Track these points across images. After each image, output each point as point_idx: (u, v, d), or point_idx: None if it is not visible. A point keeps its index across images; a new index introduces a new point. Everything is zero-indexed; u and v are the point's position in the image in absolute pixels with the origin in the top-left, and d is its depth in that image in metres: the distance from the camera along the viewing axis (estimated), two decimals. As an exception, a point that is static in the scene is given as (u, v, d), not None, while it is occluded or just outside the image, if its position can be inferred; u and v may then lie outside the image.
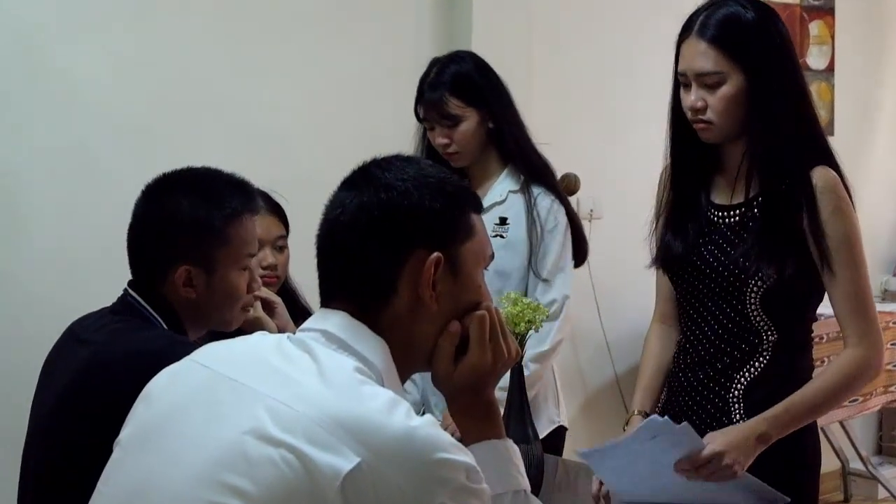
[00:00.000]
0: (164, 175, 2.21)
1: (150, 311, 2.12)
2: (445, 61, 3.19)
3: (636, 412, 2.47)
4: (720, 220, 2.41)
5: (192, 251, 2.12)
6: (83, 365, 2.04)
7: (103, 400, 1.93)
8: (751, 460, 2.22)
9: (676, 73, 2.41)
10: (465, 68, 3.17)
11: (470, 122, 3.12)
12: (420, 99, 3.15)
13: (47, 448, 2.07)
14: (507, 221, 3.18)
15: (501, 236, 3.18)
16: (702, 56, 2.31)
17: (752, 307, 2.34)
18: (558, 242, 3.21)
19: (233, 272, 2.16)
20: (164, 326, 2.11)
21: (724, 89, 2.31)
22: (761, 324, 2.35)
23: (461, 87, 3.12)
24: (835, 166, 2.36)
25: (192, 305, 2.14)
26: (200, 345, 1.65)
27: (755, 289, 2.33)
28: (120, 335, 2.07)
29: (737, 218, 2.39)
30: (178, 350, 1.68)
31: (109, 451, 1.58)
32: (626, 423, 2.48)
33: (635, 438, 2.22)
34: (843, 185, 2.35)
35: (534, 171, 3.23)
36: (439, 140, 3.11)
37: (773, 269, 2.30)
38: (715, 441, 2.20)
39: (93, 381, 2.00)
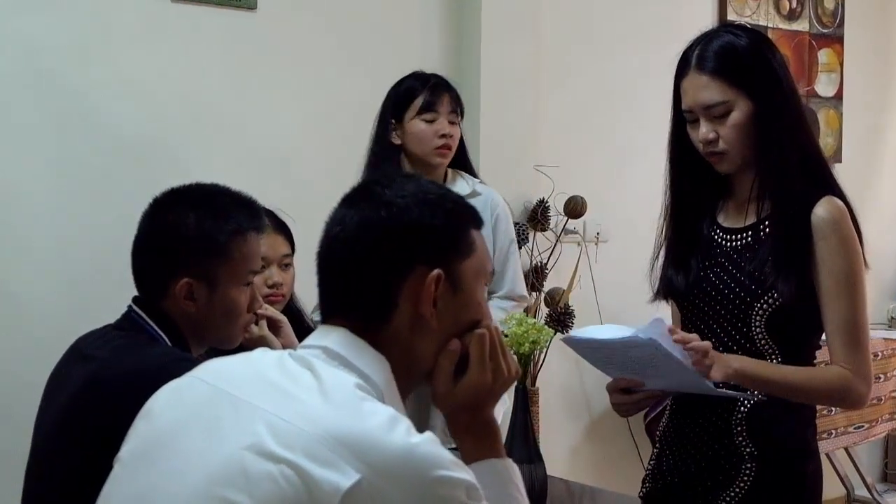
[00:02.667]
0: (173, 189, 2.22)
1: (154, 327, 2.12)
2: (438, 75, 3.44)
3: None
4: (728, 244, 2.41)
5: (194, 264, 2.12)
6: (86, 381, 2.04)
7: (105, 417, 1.92)
8: (719, 372, 2.21)
9: (678, 111, 2.41)
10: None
11: (460, 127, 3.38)
12: (436, 89, 3.35)
13: (50, 465, 2.07)
14: None
15: None
16: (705, 89, 2.32)
17: (758, 330, 2.34)
18: (515, 246, 3.44)
19: (234, 289, 2.16)
20: (168, 342, 2.11)
21: (734, 117, 2.31)
22: (766, 347, 2.35)
23: (458, 95, 3.39)
24: (840, 195, 2.36)
25: (193, 320, 2.13)
26: (202, 361, 1.65)
27: (761, 311, 2.32)
28: (123, 352, 2.07)
29: (745, 241, 2.39)
30: (179, 367, 1.67)
31: (105, 469, 1.58)
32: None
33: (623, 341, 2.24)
34: (851, 215, 2.35)
35: (474, 174, 3.48)
36: (448, 130, 3.30)
37: (780, 292, 2.30)
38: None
39: (95, 398, 2.00)
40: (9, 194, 3.28)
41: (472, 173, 3.47)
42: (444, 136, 3.29)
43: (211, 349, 2.26)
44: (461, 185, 3.36)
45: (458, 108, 3.35)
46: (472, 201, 3.21)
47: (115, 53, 3.45)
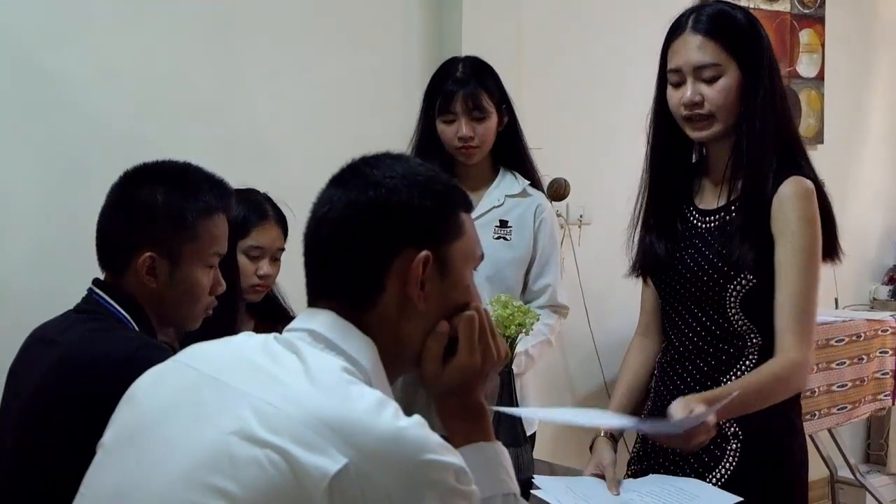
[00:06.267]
0: (144, 164, 2.20)
1: (118, 308, 2.09)
2: (466, 59, 3.29)
3: (602, 434, 2.47)
4: (701, 224, 2.42)
5: (159, 239, 2.10)
6: (52, 367, 2.00)
7: (73, 403, 1.90)
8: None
9: (664, 73, 2.41)
10: (488, 67, 3.27)
11: (493, 120, 3.20)
12: (448, 91, 3.17)
13: (20, 455, 2.02)
14: (508, 224, 3.20)
15: (505, 238, 3.21)
16: (699, 49, 2.32)
17: (733, 311, 2.34)
18: (558, 251, 3.36)
19: (197, 268, 2.14)
20: (135, 325, 2.08)
21: (723, 81, 2.32)
22: (744, 327, 2.35)
23: (490, 83, 3.21)
24: (812, 177, 2.35)
25: (154, 298, 2.11)
26: (171, 346, 1.63)
27: (734, 293, 2.32)
28: (91, 336, 2.03)
29: (716, 223, 2.39)
30: (148, 354, 1.65)
31: (82, 455, 1.56)
32: (592, 444, 2.46)
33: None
34: (822, 194, 2.35)
35: (529, 176, 3.32)
36: (465, 132, 3.14)
37: (751, 273, 2.30)
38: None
39: (62, 385, 1.97)
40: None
41: (528, 171, 3.34)
42: (461, 138, 3.16)
43: (187, 334, 2.25)
44: (510, 184, 3.28)
45: (480, 104, 3.16)
46: (518, 202, 3.25)
47: (93, 38, 3.41)
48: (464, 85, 3.17)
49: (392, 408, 1.37)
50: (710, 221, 2.41)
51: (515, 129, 3.31)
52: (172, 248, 2.10)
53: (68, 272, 3.27)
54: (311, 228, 1.56)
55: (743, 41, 2.33)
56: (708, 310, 2.38)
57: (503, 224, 3.23)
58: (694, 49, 2.33)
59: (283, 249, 2.94)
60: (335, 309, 1.52)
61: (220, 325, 2.25)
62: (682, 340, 2.44)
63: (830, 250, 2.39)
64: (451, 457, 1.37)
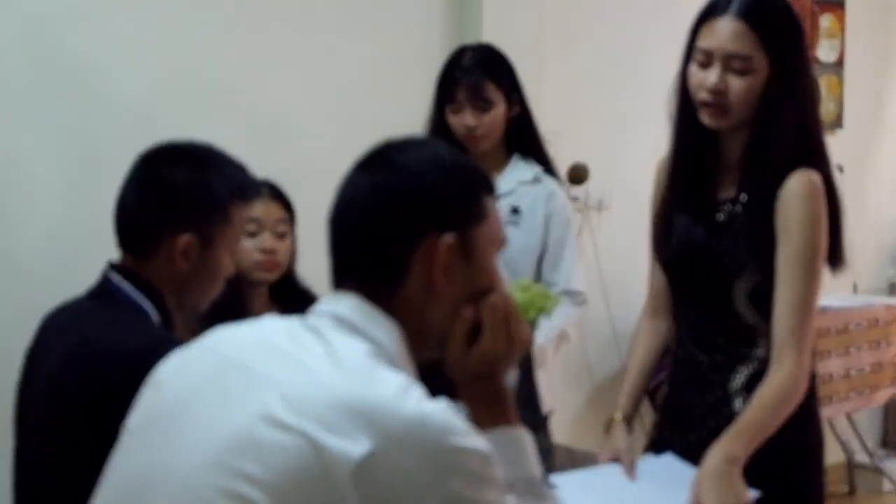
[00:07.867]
0: (166, 145, 2.17)
1: (137, 296, 2.07)
2: (476, 48, 3.27)
3: (618, 418, 2.47)
4: (710, 216, 2.38)
5: (197, 222, 2.08)
6: (64, 361, 1.99)
7: (88, 397, 1.91)
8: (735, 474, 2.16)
9: (690, 50, 2.33)
10: (498, 56, 3.25)
11: (498, 110, 3.17)
12: (453, 81, 3.17)
13: (40, 447, 2.03)
14: (520, 211, 3.20)
15: (516, 225, 3.21)
16: (736, 38, 2.24)
17: (741, 303, 2.32)
18: (573, 237, 3.32)
19: (224, 252, 2.13)
20: (153, 312, 2.07)
21: (751, 79, 2.25)
22: (754, 318, 2.32)
23: (497, 72, 3.18)
24: (825, 171, 2.32)
25: (178, 279, 2.09)
26: (192, 328, 1.63)
27: (742, 288, 2.30)
28: (105, 330, 2.02)
29: (724, 216, 2.36)
30: (164, 350, 1.64)
31: (97, 447, 1.57)
32: (608, 428, 2.47)
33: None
34: (832, 190, 2.31)
35: (543, 164, 3.30)
36: (469, 122, 3.13)
37: (757, 269, 2.28)
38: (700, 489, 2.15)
39: (77, 378, 1.96)
40: (7, 162, 3.26)
41: (541, 158, 3.31)
42: (466, 127, 3.14)
43: (203, 320, 2.24)
44: (523, 171, 3.26)
45: (483, 95, 3.14)
46: (530, 188, 3.23)
47: (114, 21, 3.41)
48: (468, 74, 3.15)
49: (417, 392, 1.38)
50: (718, 212, 2.37)
51: (528, 117, 3.28)
52: (207, 231, 2.08)
53: (87, 254, 3.27)
54: (336, 213, 1.56)
55: (781, 35, 2.26)
56: (717, 302, 2.35)
57: (515, 211, 3.22)
58: (731, 36, 2.24)
59: (285, 221, 2.90)
60: (360, 293, 1.52)
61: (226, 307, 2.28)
62: (694, 328, 2.44)
63: (833, 257, 2.34)
64: (477, 441, 1.38)
